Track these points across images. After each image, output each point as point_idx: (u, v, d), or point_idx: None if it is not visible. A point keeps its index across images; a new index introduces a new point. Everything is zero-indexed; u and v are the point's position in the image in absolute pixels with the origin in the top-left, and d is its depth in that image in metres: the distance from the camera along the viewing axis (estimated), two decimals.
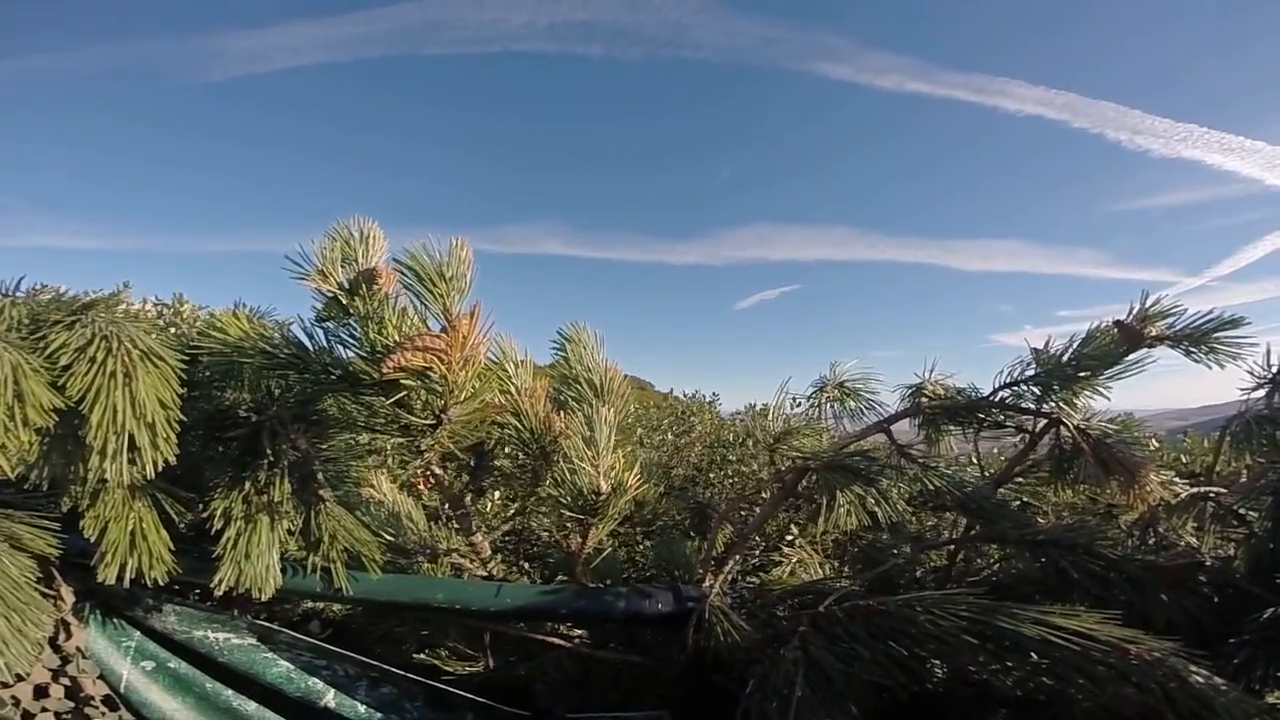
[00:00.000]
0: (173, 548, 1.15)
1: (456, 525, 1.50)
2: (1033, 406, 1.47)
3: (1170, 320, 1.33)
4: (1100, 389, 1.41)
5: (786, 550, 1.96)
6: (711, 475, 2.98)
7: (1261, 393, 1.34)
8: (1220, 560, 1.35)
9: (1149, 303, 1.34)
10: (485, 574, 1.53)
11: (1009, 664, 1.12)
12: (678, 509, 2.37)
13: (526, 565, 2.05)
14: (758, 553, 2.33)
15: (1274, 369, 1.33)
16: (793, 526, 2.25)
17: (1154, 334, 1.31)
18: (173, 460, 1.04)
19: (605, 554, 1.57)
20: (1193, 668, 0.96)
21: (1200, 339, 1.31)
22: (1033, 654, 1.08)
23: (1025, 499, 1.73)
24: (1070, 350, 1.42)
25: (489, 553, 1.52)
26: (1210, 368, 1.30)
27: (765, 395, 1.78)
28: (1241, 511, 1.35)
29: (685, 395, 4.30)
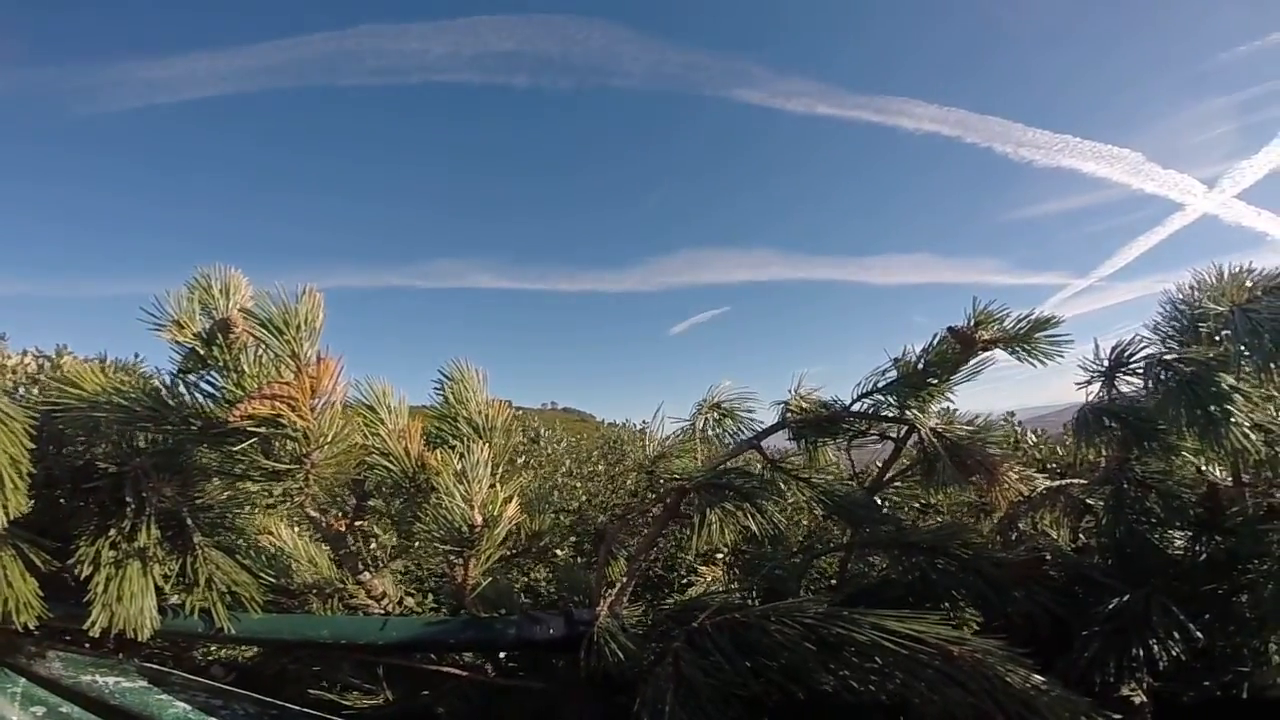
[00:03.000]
0: (42, 594, 1.18)
1: (343, 564, 1.53)
2: (892, 414, 1.51)
3: (999, 323, 1.37)
4: (948, 394, 1.45)
5: (702, 570, 1.98)
6: (648, 501, 2.97)
7: (1097, 386, 1.38)
8: (1079, 550, 1.37)
9: (979, 307, 1.38)
10: (381, 610, 1.56)
11: (854, 668, 1.14)
12: (582, 536, 2.40)
13: (440, 594, 2.08)
14: (683, 573, 2.35)
15: (1105, 363, 1.37)
16: (722, 546, 2.27)
17: (985, 338, 1.36)
18: (24, 510, 1.09)
19: (497, 584, 1.60)
20: (1011, 667, 0.98)
21: (1023, 339, 1.35)
22: (875, 658, 1.10)
23: (922, 503, 1.76)
24: (921, 359, 1.46)
25: (380, 589, 1.55)
26: (1034, 365, 1.34)
27: (677, 427, 1.83)
28: (1090, 502, 1.37)
29: (618, 424, 4.33)
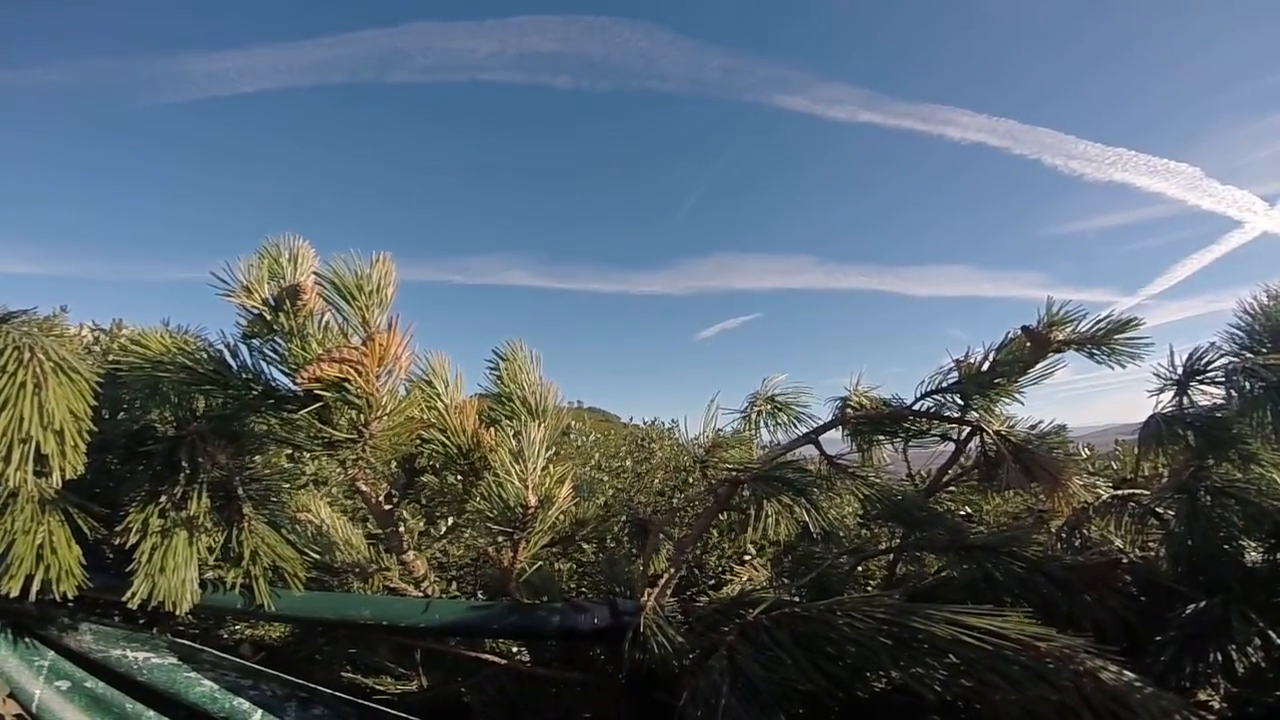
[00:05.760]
0: (85, 563, 1.14)
1: (386, 544, 1.49)
2: (956, 415, 1.50)
3: (1074, 325, 1.36)
4: (1016, 395, 1.44)
5: (739, 570, 1.96)
6: (675, 500, 2.98)
7: (1169, 394, 1.37)
8: (1145, 559, 1.36)
9: (1055, 310, 1.37)
10: (420, 593, 1.52)
11: (927, 665, 1.12)
12: (629, 533, 2.37)
13: (470, 589, 2.04)
14: (711, 575, 2.32)
15: (1179, 372, 1.36)
16: (750, 547, 2.25)
17: (1060, 338, 1.35)
18: (81, 470, 1.05)
19: (543, 570, 1.57)
20: (1102, 663, 0.96)
21: (1101, 340, 1.34)
22: (950, 655, 1.08)
23: (968, 510, 1.74)
24: (987, 359, 1.45)
25: (422, 571, 1.51)
26: (1113, 368, 1.33)
27: (728, 423, 1.81)
28: (1160, 511, 1.36)
29: (644, 423, 4.30)
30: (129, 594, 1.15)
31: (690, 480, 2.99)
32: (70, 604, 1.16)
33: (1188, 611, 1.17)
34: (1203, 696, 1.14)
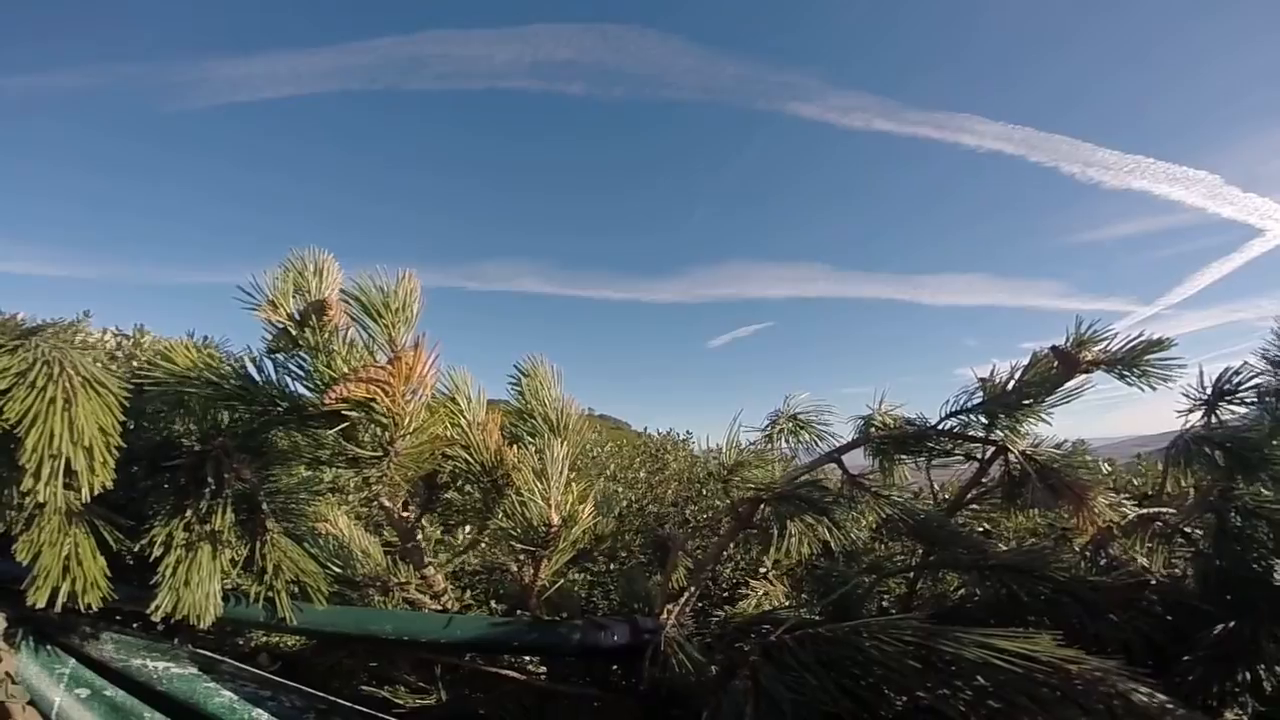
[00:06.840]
0: (109, 575, 1.14)
1: (406, 558, 1.49)
2: (980, 434, 1.49)
3: (1104, 344, 1.35)
4: (1043, 415, 1.43)
5: (754, 584, 1.95)
6: (688, 511, 2.97)
7: (1198, 414, 1.36)
8: (1171, 579, 1.35)
9: (1084, 328, 1.36)
10: (439, 607, 1.52)
11: (955, 687, 1.11)
12: (641, 544, 2.36)
13: (482, 597, 2.03)
14: (725, 587, 2.31)
15: (1208, 391, 1.35)
16: (765, 560, 2.24)
17: (1089, 359, 1.34)
18: (110, 485, 1.05)
19: (562, 587, 1.56)
20: (1134, 685, 0.95)
21: (1132, 361, 1.33)
22: (978, 677, 1.07)
23: (986, 526, 1.73)
24: (1013, 379, 1.44)
25: (442, 585, 1.51)
26: (1143, 390, 1.32)
27: (749, 436, 1.79)
28: (1187, 530, 1.35)
29: (658, 433, 4.30)
30: (153, 607, 1.15)
31: (705, 491, 2.99)
32: (91, 613, 1.16)
33: (1216, 632, 1.17)
34: (1230, 716, 1.13)
